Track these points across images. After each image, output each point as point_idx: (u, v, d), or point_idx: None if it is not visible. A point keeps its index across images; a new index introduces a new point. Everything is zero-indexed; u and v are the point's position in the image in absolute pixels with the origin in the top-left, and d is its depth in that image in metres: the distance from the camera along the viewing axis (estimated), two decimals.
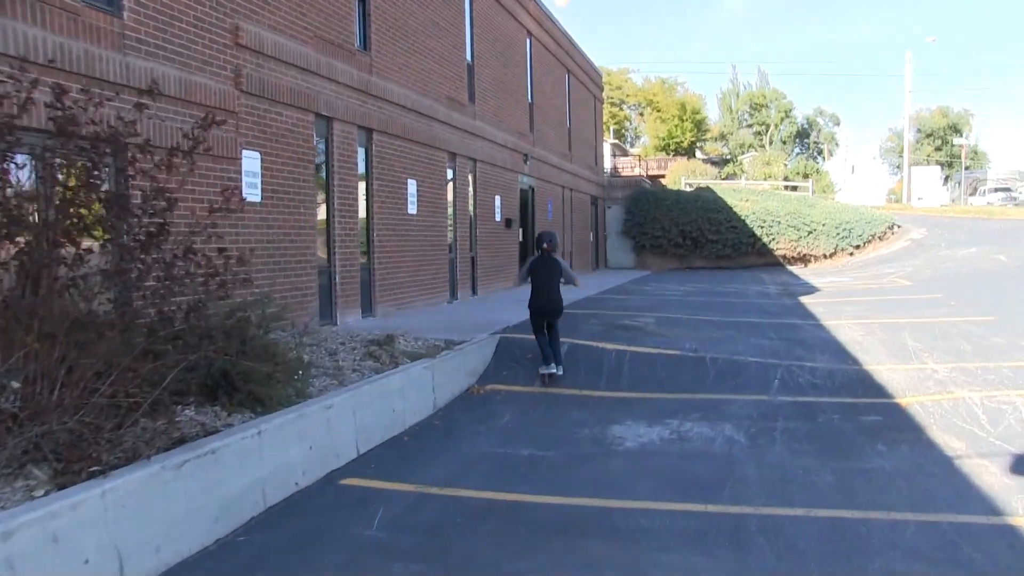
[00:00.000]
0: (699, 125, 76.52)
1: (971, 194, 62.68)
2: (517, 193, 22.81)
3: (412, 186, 15.72)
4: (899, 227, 35.31)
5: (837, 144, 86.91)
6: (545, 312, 10.66)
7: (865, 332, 12.73)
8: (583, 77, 32.34)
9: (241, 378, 6.22)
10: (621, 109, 75.59)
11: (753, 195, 36.75)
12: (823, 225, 34.14)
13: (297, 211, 11.46)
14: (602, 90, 36.98)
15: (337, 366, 8.50)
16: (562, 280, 10.81)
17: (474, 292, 19.34)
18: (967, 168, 72.28)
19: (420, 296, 16.03)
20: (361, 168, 13.84)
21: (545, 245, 10.73)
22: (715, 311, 16.09)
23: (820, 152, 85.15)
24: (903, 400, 8.87)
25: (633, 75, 77.13)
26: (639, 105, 76.67)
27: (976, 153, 76.69)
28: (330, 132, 12.65)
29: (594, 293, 19.35)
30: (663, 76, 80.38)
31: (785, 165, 69.16)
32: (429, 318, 14.13)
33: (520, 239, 23.12)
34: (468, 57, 19.21)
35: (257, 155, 10.50)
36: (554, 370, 10.32)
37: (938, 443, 7.35)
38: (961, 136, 76.68)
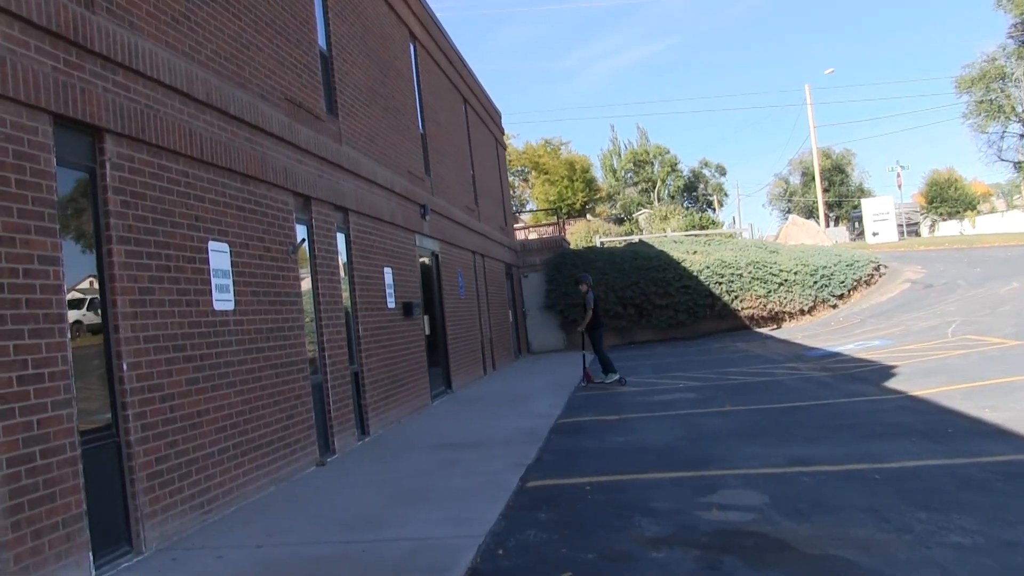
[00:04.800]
0: (589, 184, 72.00)
1: (862, 232, 59.25)
2: (416, 263, 15.06)
3: (219, 257, 7.87)
4: (885, 267, 29.11)
5: (726, 194, 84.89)
6: None
7: None
8: (483, 112, 25.09)
9: None
10: None
11: (701, 245, 30.01)
12: (795, 274, 27.63)
13: None
14: (503, 133, 29.88)
15: None
16: None
17: (363, 432, 11.38)
18: (855, 207, 69.90)
19: (249, 468, 8.05)
20: (91, 223, 6.01)
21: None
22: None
23: (710, 204, 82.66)
24: None
25: (513, 140, 71.85)
26: (523, 170, 71.23)
27: (862, 191, 74.82)
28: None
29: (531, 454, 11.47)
30: (547, 137, 75.92)
31: (683, 218, 65.32)
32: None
33: (427, 331, 15.28)
34: (321, 41, 11.58)
35: None
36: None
37: None
38: (846, 175, 75.16)
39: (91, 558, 5.54)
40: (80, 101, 5.88)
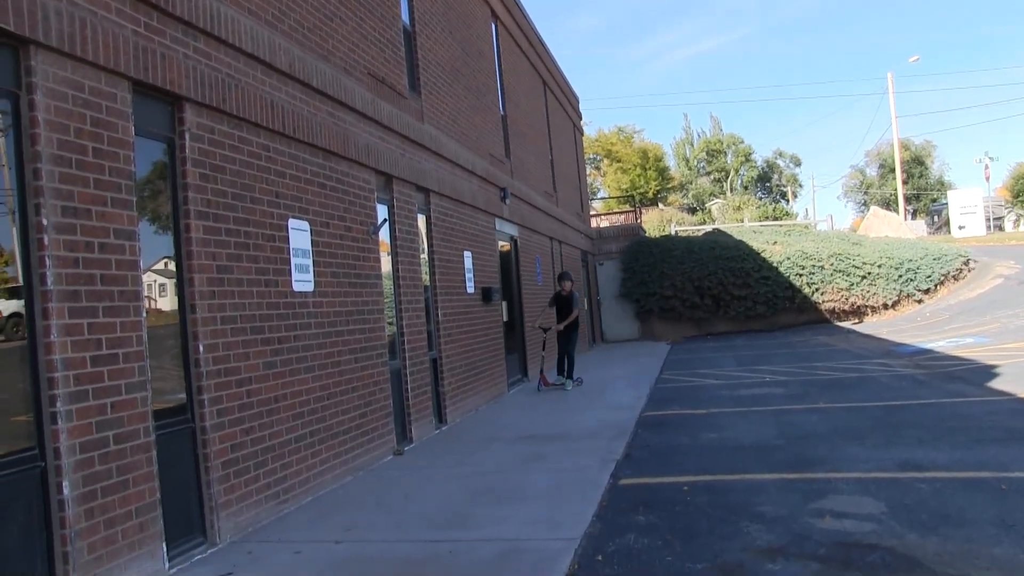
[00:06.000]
0: (662, 173, 70.95)
1: (943, 225, 57.02)
2: (495, 247, 14.66)
3: (299, 235, 7.54)
4: (975, 262, 27.76)
5: (800, 185, 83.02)
6: None
7: None
8: (561, 96, 24.54)
9: None
10: None
11: (781, 236, 29.00)
12: (879, 267, 26.46)
13: None
14: (581, 118, 29.26)
15: None
16: None
17: (440, 421, 11.02)
18: (934, 201, 67.51)
19: (326, 457, 7.73)
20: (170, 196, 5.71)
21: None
22: None
23: (783, 195, 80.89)
24: None
25: (586, 127, 71.02)
26: (596, 157, 70.44)
27: (942, 184, 72.10)
28: None
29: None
30: (620, 125, 74.91)
31: (756, 208, 63.97)
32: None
33: (504, 318, 14.88)
34: (404, 16, 11.20)
35: None
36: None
37: None
38: (925, 167, 72.58)
39: (164, 548, 5.25)
40: (160, 67, 5.56)
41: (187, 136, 5.94)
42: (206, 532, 5.84)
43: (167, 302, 5.87)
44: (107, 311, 4.93)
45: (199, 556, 5.65)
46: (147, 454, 5.15)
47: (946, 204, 54.74)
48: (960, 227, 47.93)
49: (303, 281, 7.49)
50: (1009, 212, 63.10)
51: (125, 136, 5.21)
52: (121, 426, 4.94)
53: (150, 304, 5.66)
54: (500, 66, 16.75)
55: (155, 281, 5.81)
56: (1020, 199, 62.31)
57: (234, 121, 6.56)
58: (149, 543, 5.10)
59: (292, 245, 7.35)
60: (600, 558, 5.26)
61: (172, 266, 5.88)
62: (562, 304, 14.66)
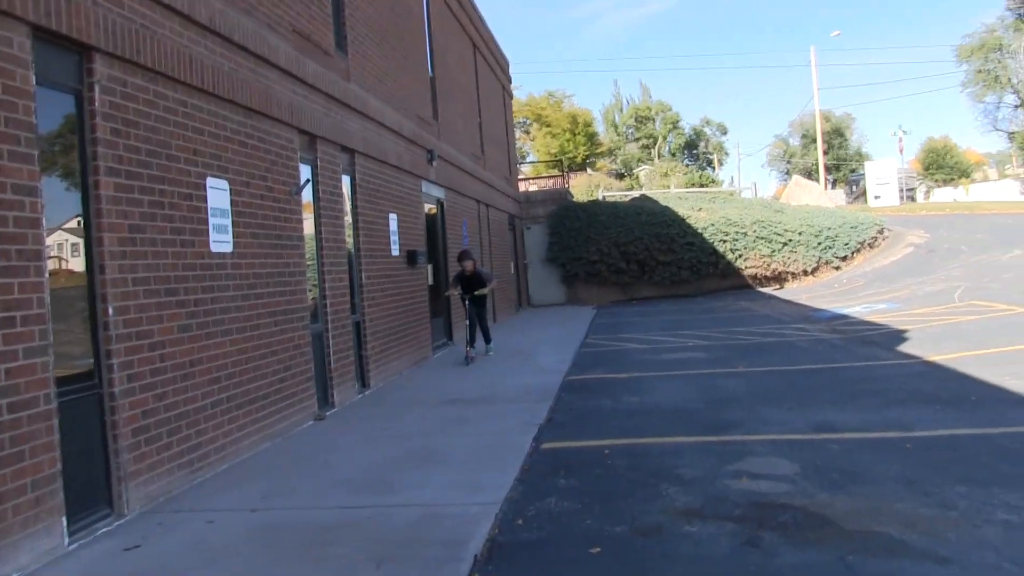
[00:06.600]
0: (591, 139, 71.32)
1: (861, 195, 58.79)
2: (421, 210, 14.46)
3: (218, 195, 7.27)
4: (889, 231, 28.59)
5: (726, 153, 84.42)
6: None
7: None
8: (491, 59, 24.26)
9: None
10: None
11: (706, 202, 29.38)
12: (800, 234, 27.12)
13: None
14: (511, 82, 29.00)
15: None
16: None
17: (363, 385, 10.88)
18: (853, 171, 69.43)
19: (244, 423, 7.55)
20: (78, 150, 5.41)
21: None
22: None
23: (709, 162, 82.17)
24: None
25: (516, 91, 70.63)
26: (525, 121, 70.33)
27: (860, 155, 74.30)
28: None
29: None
30: (550, 89, 74.83)
31: (683, 175, 64.78)
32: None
33: (430, 281, 14.73)
34: None
35: None
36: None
37: None
38: (845, 139, 74.50)
39: (64, 523, 5.02)
40: (65, 14, 5.23)
41: (97, 88, 5.62)
42: (113, 503, 5.62)
43: (77, 263, 5.59)
44: (3, 271, 4.65)
45: (105, 529, 5.44)
46: (47, 423, 4.90)
47: (863, 175, 56.19)
48: (876, 197, 49.36)
49: (221, 242, 7.24)
50: (920, 184, 65.20)
51: (24, 85, 4.89)
52: (17, 394, 4.68)
53: (57, 264, 5.38)
54: (430, 27, 16.42)
55: (66, 241, 5.52)
56: (930, 171, 64.45)
57: (149, 74, 6.25)
58: (46, 518, 4.86)
59: (210, 204, 7.09)
60: (520, 522, 5.25)
61: (81, 225, 5.59)
62: (467, 284, 13.76)
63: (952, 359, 10.64)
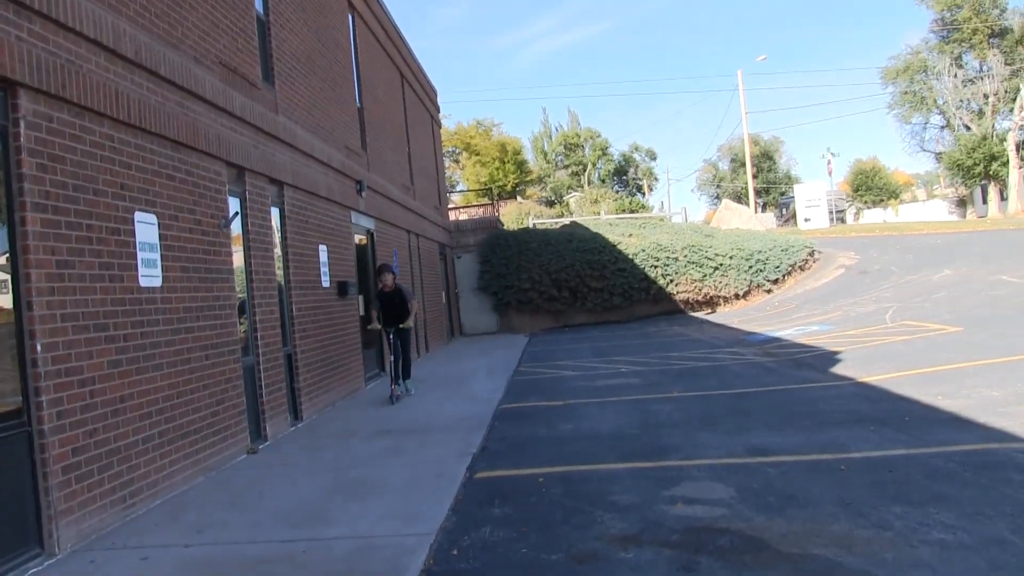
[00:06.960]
0: (521, 167, 71.87)
1: (791, 217, 60.51)
2: (351, 241, 14.48)
3: (146, 229, 7.25)
4: (819, 253, 29.43)
5: (656, 179, 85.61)
6: None
7: None
8: (419, 89, 24.45)
9: None
10: None
11: (637, 228, 29.88)
12: (731, 258, 27.70)
13: None
14: (439, 111, 29.19)
15: None
16: None
17: (296, 417, 10.83)
18: (782, 194, 71.29)
19: (176, 457, 7.48)
20: None
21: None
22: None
23: (639, 188, 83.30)
24: None
25: (445, 120, 70.93)
26: (454, 151, 70.71)
27: (789, 178, 76.29)
28: None
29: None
30: (479, 118, 75.34)
31: (613, 201, 65.67)
32: None
33: (361, 312, 14.73)
34: (258, 5, 10.90)
35: None
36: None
37: None
38: (774, 162, 76.63)
39: None
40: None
41: (22, 124, 5.61)
42: (43, 542, 5.54)
43: (4, 299, 5.53)
44: None
45: (35, 569, 5.36)
46: None
47: (793, 198, 57.63)
48: (806, 219, 50.55)
49: (150, 276, 7.22)
50: (850, 205, 67.21)
51: None
52: None
53: None
54: (357, 58, 16.54)
55: None
56: (860, 193, 66.42)
57: (75, 109, 6.25)
58: None
59: (139, 239, 7.07)
60: (455, 552, 5.32)
61: (8, 261, 5.54)
62: (388, 302, 12.74)
63: (885, 379, 10.99)
